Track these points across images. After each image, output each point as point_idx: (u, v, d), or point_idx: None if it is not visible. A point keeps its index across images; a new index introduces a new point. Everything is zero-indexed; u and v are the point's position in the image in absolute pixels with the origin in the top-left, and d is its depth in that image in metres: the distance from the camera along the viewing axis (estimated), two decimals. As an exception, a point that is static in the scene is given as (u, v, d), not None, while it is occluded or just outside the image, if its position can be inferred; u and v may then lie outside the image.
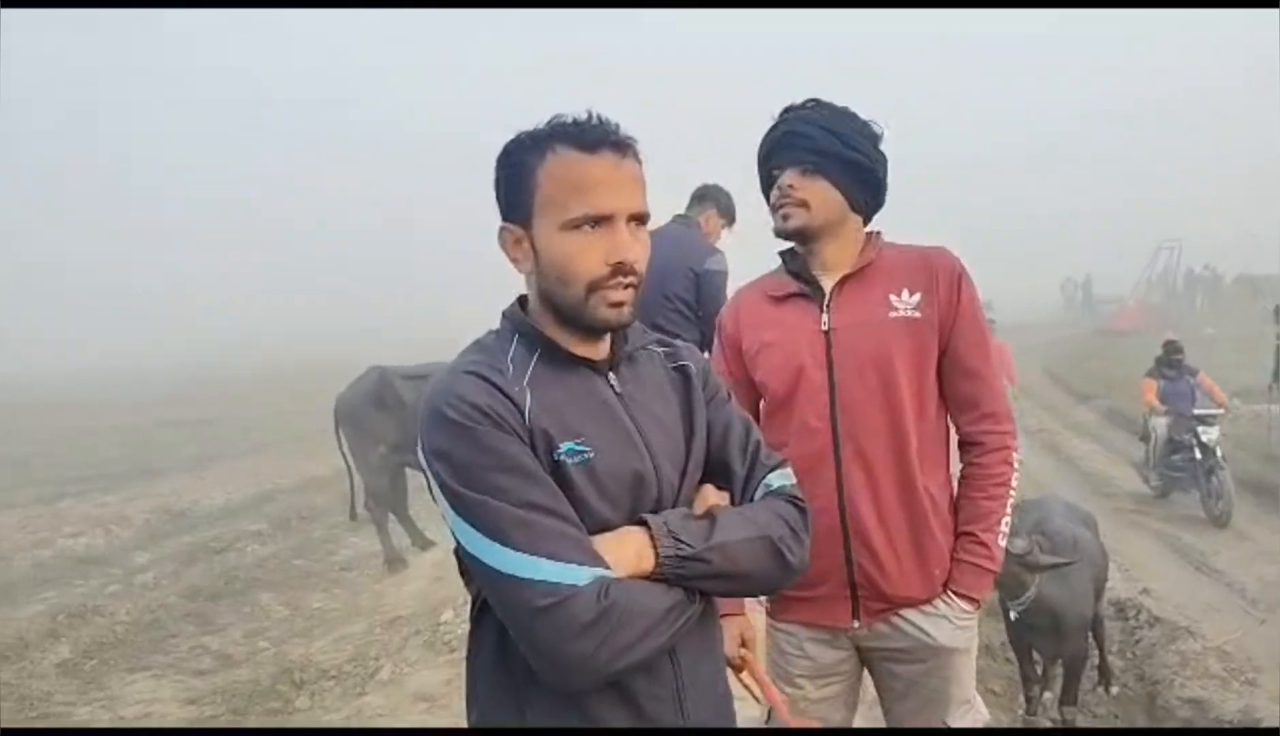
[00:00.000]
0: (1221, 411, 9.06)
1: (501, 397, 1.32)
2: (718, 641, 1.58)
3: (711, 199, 5.02)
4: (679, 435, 1.50)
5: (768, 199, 2.23)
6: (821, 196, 2.13)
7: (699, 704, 1.45)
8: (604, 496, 1.36)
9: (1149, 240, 38.18)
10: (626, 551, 1.33)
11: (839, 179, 2.12)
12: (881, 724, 2.44)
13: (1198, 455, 8.43)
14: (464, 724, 1.51)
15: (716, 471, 1.52)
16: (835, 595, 2.19)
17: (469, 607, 1.47)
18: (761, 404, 2.27)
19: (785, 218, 2.15)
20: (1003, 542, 2.21)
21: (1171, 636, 5.29)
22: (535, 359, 1.40)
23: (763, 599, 2.37)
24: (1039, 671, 4.59)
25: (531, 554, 1.25)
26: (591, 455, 1.36)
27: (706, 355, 1.74)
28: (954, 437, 2.28)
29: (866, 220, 2.22)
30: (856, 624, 2.20)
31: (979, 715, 2.28)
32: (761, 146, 2.20)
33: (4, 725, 4.38)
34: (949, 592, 2.18)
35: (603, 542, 1.33)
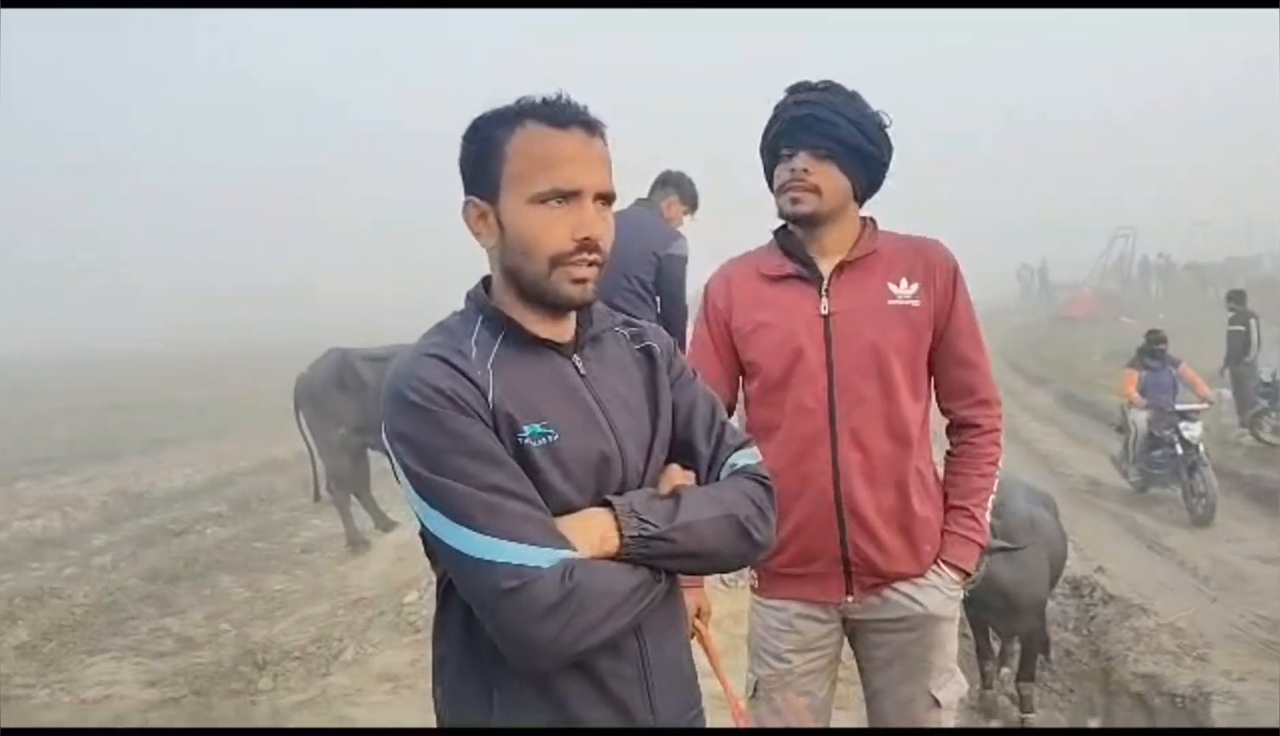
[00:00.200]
0: (1205, 406, 8.80)
1: (463, 380, 1.31)
2: (683, 620, 1.59)
3: (674, 185, 5.03)
4: (644, 416, 1.50)
5: (769, 174, 2.24)
6: (833, 183, 2.15)
7: (664, 682, 1.46)
8: (569, 478, 1.37)
9: (1104, 228, 38.71)
10: (591, 533, 1.33)
11: (850, 167, 2.16)
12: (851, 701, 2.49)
13: (1179, 451, 8.16)
14: (430, 703, 1.52)
15: (682, 451, 1.53)
16: (829, 572, 2.23)
17: (434, 588, 1.48)
18: (754, 383, 2.29)
19: (795, 201, 2.16)
20: (988, 518, 2.30)
21: (1125, 613, 5.40)
22: (499, 341, 1.40)
23: (748, 576, 2.41)
24: (995, 648, 4.67)
25: (495, 536, 1.25)
26: (556, 437, 1.36)
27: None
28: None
29: (860, 206, 2.26)
30: (850, 598, 2.25)
31: (959, 684, 2.35)
32: (774, 122, 2.20)
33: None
34: (940, 563, 2.25)
35: (567, 524, 1.33)
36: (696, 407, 1.57)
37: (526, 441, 1.34)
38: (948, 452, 2.36)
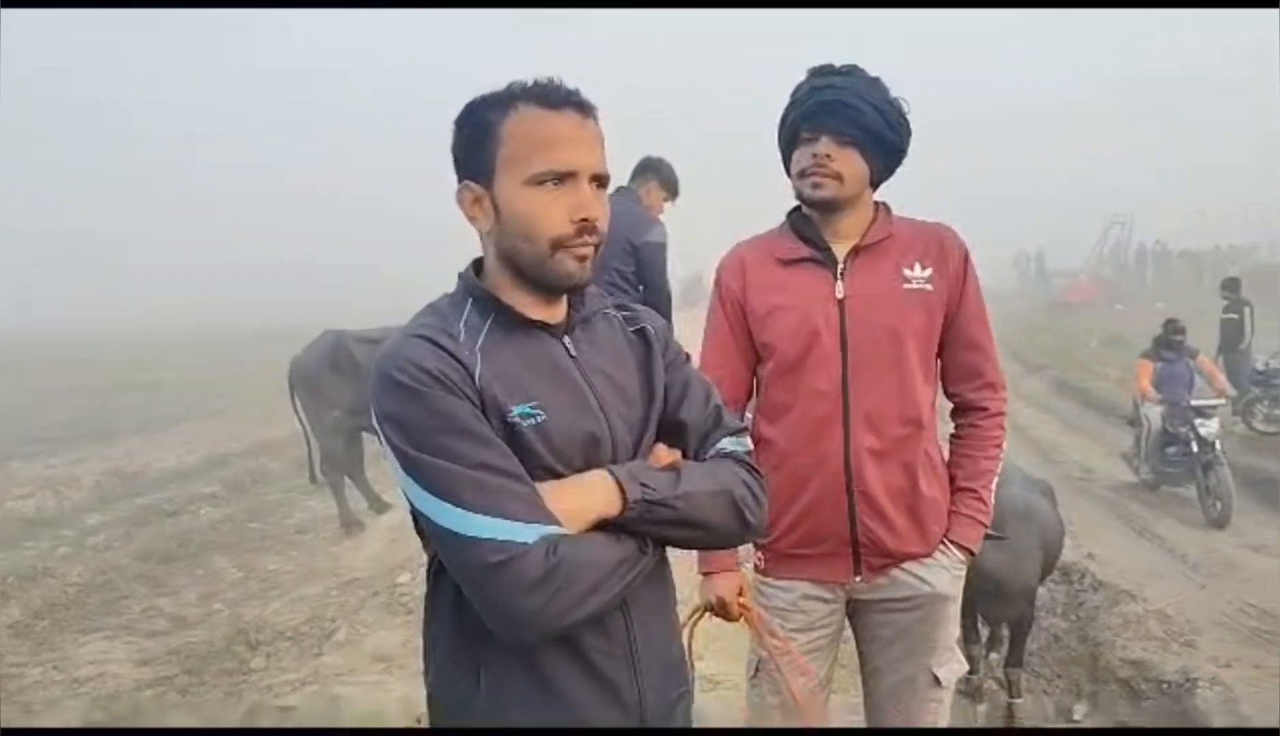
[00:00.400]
0: (1221, 401, 8.38)
1: (451, 361, 1.32)
2: (671, 600, 1.60)
3: (653, 171, 4.99)
4: (635, 397, 1.51)
5: (787, 157, 2.25)
6: (854, 170, 2.16)
7: (651, 661, 1.47)
8: (558, 458, 1.37)
9: (1101, 215, 38.73)
10: (594, 496, 1.35)
11: (871, 154, 2.16)
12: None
13: (1194, 448, 7.75)
14: (421, 684, 1.53)
15: (674, 430, 1.53)
16: (837, 552, 2.26)
17: (425, 569, 1.49)
18: (768, 365, 2.30)
19: (816, 186, 2.17)
20: (992, 499, 2.34)
21: (1114, 599, 5.43)
22: (489, 322, 1.40)
23: (753, 556, 2.43)
24: (984, 633, 4.69)
25: (481, 513, 1.26)
26: (544, 417, 1.37)
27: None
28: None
29: (874, 191, 2.27)
30: (858, 578, 2.27)
31: (959, 664, 2.38)
32: (796, 104, 2.19)
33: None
34: (947, 543, 2.28)
35: (570, 486, 1.35)
36: (690, 389, 1.57)
37: (514, 420, 1.34)
38: (952, 435, 2.39)
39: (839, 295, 2.20)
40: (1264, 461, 9.07)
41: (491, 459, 1.29)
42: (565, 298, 1.47)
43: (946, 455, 2.39)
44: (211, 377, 20.78)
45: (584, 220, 1.38)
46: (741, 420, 2.36)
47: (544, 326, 1.44)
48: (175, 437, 12.46)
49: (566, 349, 1.45)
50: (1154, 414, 8.26)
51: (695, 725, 1.65)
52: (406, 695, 4.17)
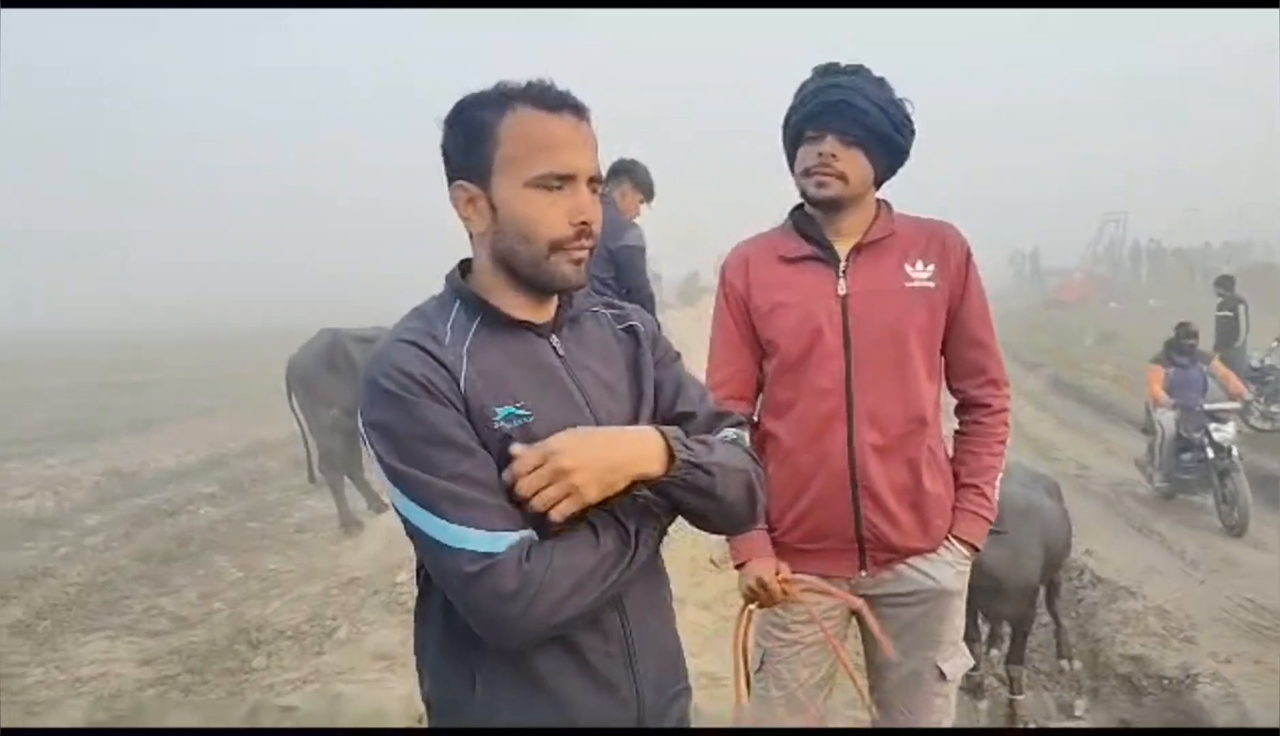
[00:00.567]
0: (1237, 405, 8.11)
1: (436, 365, 1.32)
2: (666, 596, 1.60)
3: (626, 174, 4.96)
4: (624, 395, 1.51)
5: (791, 155, 2.26)
6: (859, 171, 2.17)
7: (648, 658, 1.48)
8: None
9: (1095, 213, 38.77)
10: (649, 446, 1.34)
11: (875, 154, 2.18)
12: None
13: (1209, 455, 7.49)
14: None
15: (673, 423, 1.52)
16: (843, 549, 2.28)
17: (415, 574, 1.50)
18: (772, 362, 2.31)
19: (821, 185, 2.18)
20: (996, 495, 2.35)
21: (1113, 596, 5.45)
22: (476, 324, 1.41)
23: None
24: (985, 630, 4.70)
25: (458, 523, 1.27)
26: (531, 418, 1.37)
27: None
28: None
29: (877, 190, 2.28)
30: (863, 573, 2.29)
31: (964, 658, 2.40)
32: (802, 104, 2.20)
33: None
34: (951, 538, 2.30)
35: (623, 436, 1.35)
36: (684, 384, 1.58)
37: (500, 424, 1.35)
38: (957, 431, 2.40)
39: (841, 292, 2.22)
40: (1260, 458, 9.08)
41: (469, 469, 1.30)
42: (555, 297, 1.48)
43: (951, 451, 2.41)
44: (210, 377, 20.73)
45: (583, 223, 1.38)
46: (754, 416, 2.38)
47: (531, 326, 1.44)
48: (174, 437, 12.44)
49: (554, 348, 1.46)
50: (1167, 420, 7.99)
51: (697, 724, 1.66)
52: (407, 693, 4.17)
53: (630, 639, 1.46)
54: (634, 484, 1.35)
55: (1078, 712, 4.42)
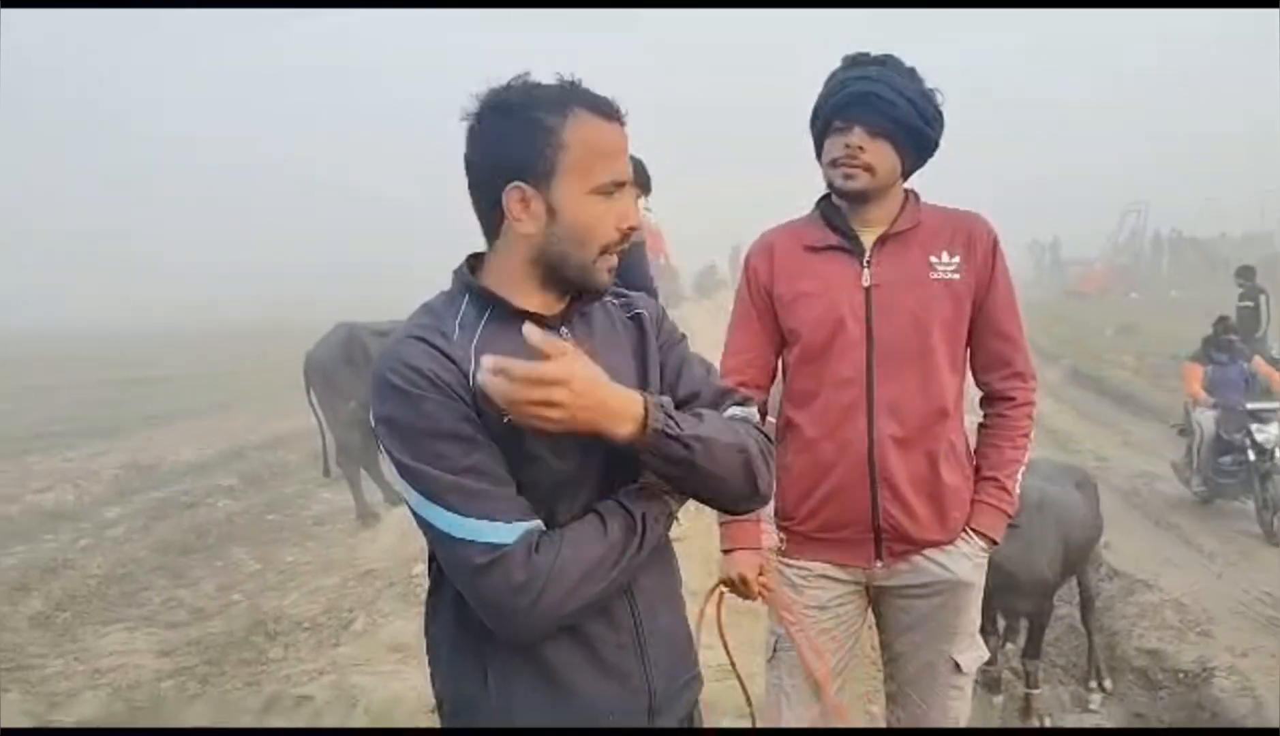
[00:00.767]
0: None
1: (444, 361, 1.32)
2: (677, 585, 1.60)
3: None
4: (633, 384, 1.49)
5: (819, 145, 2.25)
6: (886, 162, 2.16)
7: (658, 647, 1.48)
8: (556, 450, 1.37)
9: (1117, 203, 38.49)
10: (631, 407, 1.31)
11: (903, 146, 2.16)
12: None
13: (1251, 457, 7.06)
14: (438, 673, 1.54)
15: (678, 407, 1.50)
16: (859, 538, 2.27)
17: (426, 569, 1.50)
18: (794, 352, 2.31)
19: (848, 177, 2.17)
20: (1017, 490, 2.33)
21: (1130, 589, 5.43)
22: (485, 318, 1.41)
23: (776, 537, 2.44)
24: (1001, 624, 4.66)
25: (466, 515, 1.28)
26: None
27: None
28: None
29: (904, 180, 2.27)
30: (879, 564, 2.28)
31: (980, 651, 2.40)
32: (830, 94, 2.19)
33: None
34: (969, 531, 2.29)
35: (608, 390, 1.30)
36: (688, 363, 1.58)
37: (509, 418, 1.33)
38: (980, 424, 2.39)
39: (865, 283, 2.21)
40: None
41: (477, 462, 1.31)
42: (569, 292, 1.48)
43: (974, 444, 2.40)
44: (229, 372, 20.87)
45: (631, 228, 1.41)
46: (765, 404, 2.38)
47: (541, 318, 1.42)
48: (192, 431, 12.53)
49: (564, 340, 1.44)
50: (1206, 420, 7.56)
51: (707, 715, 1.66)
52: (423, 684, 4.18)
53: (640, 628, 1.46)
54: (634, 468, 1.36)
55: (1093, 706, 4.41)
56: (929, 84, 2.19)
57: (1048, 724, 4.27)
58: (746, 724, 2.13)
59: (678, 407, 1.49)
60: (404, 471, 1.32)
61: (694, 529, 5.63)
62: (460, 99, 1.42)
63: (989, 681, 4.45)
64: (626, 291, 1.62)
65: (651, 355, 1.55)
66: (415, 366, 1.31)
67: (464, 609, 1.36)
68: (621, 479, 1.42)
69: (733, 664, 2.11)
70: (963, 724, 2.40)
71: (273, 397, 14.05)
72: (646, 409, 1.33)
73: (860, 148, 2.14)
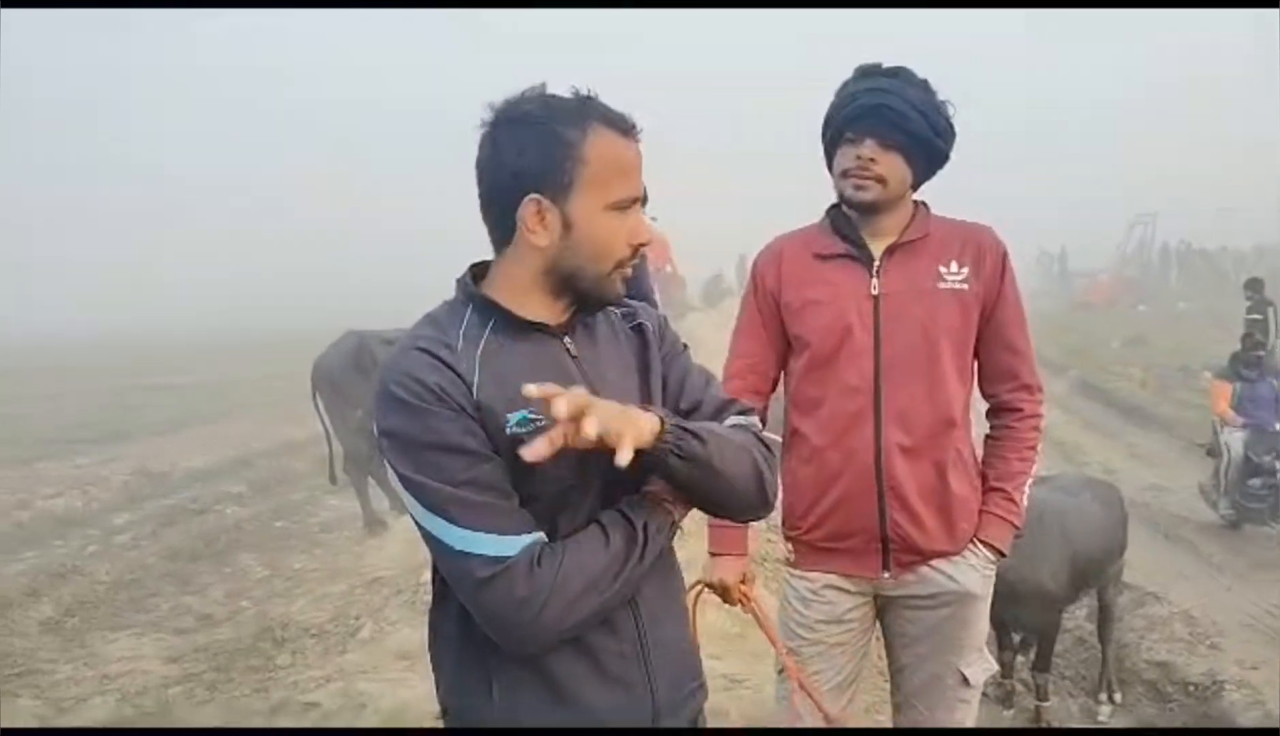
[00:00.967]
0: None
1: (448, 373, 1.33)
2: (679, 593, 1.60)
3: None
4: (634, 394, 1.51)
5: (830, 155, 2.26)
6: (898, 174, 2.17)
7: (663, 658, 1.48)
8: (558, 460, 1.34)
9: (1124, 214, 38.40)
10: (640, 421, 1.31)
11: (915, 158, 2.17)
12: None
13: None
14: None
15: (682, 417, 1.50)
16: (866, 548, 2.27)
17: (430, 581, 1.51)
18: (801, 359, 2.31)
19: (859, 188, 2.18)
20: (1025, 501, 2.33)
21: (1140, 601, 5.41)
22: (488, 329, 1.40)
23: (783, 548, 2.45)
24: (1016, 638, 4.63)
25: (469, 528, 1.28)
26: (543, 421, 1.35)
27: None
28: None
29: (914, 191, 2.28)
30: (886, 574, 2.28)
31: (988, 664, 2.39)
32: (842, 105, 2.20)
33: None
34: (977, 542, 2.29)
35: (613, 408, 1.30)
36: (690, 375, 1.59)
37: (513, 429, 1.34)
38: (988, 435, 2.39)
39: (874, 292, 2.21)
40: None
41: (481, 475, 1.31)
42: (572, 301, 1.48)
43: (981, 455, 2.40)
44: (238, 380, 20.90)
45: (642, 243, 1.43)
46: (767, 412, 2.39)
47: (544, 328, 1.44)
48: (201, 438, 12.54)
49: (567, 349, 1.46)
50: (1235, 441, 7.27)
51: (714, 724, 1.66)
52: (429, 692, 4.16)
53: (644, 638, 1.46)
54: (639, 471, 1.34)
55: (1102, 717, 4.40)
56: (940, 96, 2.20)
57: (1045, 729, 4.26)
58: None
59: (681, 417, 1.50)
60: (407, 483, 1.32)
61: (700, 540, 5.63)
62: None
63: (1001, 695, 4.44)
64: (629, 301, 1.62)
65: (654, 365, 1.55)
66: (419, 378, 1.31)
67: (468, 620, 1.37)
68: (623, 489, 1.42)
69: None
70: None
71: (283, 405, 14.04)
72: (660, 417, 1.35)
73: (872, 159, 2.15)
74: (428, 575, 1.49)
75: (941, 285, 2.21)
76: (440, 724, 1.55)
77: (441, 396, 1.31)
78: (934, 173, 2.26)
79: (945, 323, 2.21)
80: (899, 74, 2.18)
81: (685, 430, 1.35)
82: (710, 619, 4.67)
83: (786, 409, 2.40)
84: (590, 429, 1.22)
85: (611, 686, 1.42)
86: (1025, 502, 2.35)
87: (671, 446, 1.34)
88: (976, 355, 2.31)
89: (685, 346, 1.63)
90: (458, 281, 1.48)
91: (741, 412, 1.57)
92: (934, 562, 2.27)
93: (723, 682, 3.53)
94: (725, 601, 2.31)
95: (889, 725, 2.52)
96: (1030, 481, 2.35)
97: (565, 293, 1.43)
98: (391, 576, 6.15)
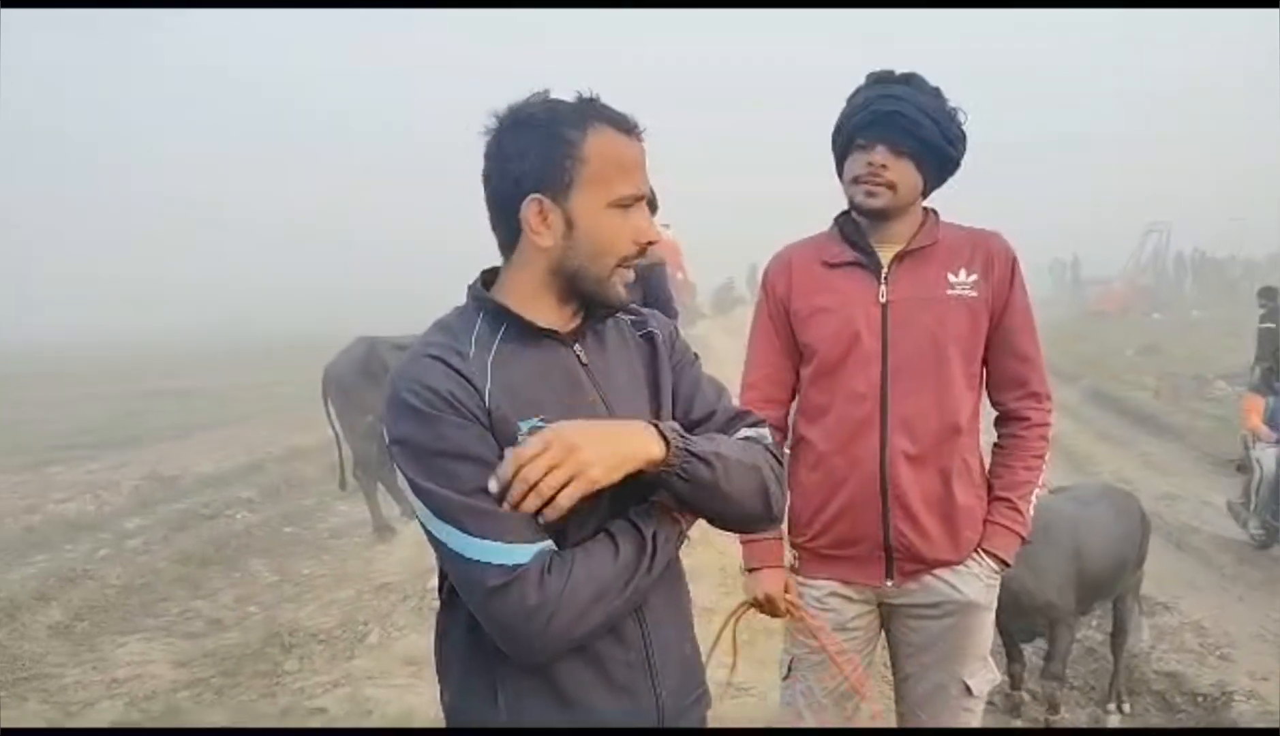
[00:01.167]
0: None
1: (460, 381, 1.33)
2: (685, 601, 1.61)
3: None
4: (643, 402, 1.52)
5: (840, 161, 2.26)
6: (908, 181, 2.18)
7: (667, 665, 1.49)
8: None
9: (1139, 223, 38.25)
10: (635, 442, 1.33)
11: (926, 165, 2.18)
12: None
13: None
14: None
15: (691, 428, 1.52)
16: (870, 556, 2.27)
17: (437, 589, 1.51)
18: (809, 367, 2.32)
19: (870, 194, 2.18)
20: (1031, 511, 2.32)
21: (1150, 611, 5.36)
22: (499, 336, 1.41)
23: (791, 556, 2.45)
24: (1027, 651, 4.57)
25: (480, 536, 1.28)
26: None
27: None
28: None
29: (924, 198, 2.29)
30: (890, 583, 2.28)
31: (992, 674, 2.38)
32: (854, 111, 2.20)
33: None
34: (981, 552, 2.28)
35: (607, 429, 1.34)
36: (700, 386, 1.59)
37: (524, 437, 1.35)
38: (995, 444, 2.38)
39: (882, 299, 2.22)
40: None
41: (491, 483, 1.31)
42: (582, 307, 1.49)
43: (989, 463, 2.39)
44: (249, 385, 20.97)
45: (648, 242, 1.42)
46: (787, 419, 2.39)
47: (555, 335, 1.45)
48: (212, 443, 12.58)
49: (578, 356, 1.46)
50: (1267, 458, 6.87)
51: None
52: (436, 698, 4.19)
53: (650, 646, 1.46)
54: (641, 475, 1.34)
55: (1110, 725, 4.37)
56: (951, 103, 2.20)
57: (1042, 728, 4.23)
58: None
59: (691, 428, 1.50)
60: (418, 491, 1.32)
61: (708, 548, 5.63)
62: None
63: (1009, 706, 4.41)
64: (640, 309, 1.63)
65: (663, 374, 1.55)
66: (432, 387, 1.32)
67: (475, 628, 1.37)
68: (632, 497, 1.41)
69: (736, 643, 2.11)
70: None
71: (293, 411, 14.08)
72: (660, 430, 1.35)
73: (884, 166, 2.15)
74: (435, 581, 1.50)
75: (950, 292, 2.21)
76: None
77: (453, 404, 1.31)
78: (945, 180, 2.27)
79: (954, 330, 2.21)
80: (911, 80, 2.19)
81: (692, 454, 1.36)
82: (716, 626, 4.67)
83: (794, 415, 2.41)
84: (594, 475, 1.28)
85: (618, 695, 1.43)
86: (1031, 512, 2.34)
87: (677, 470, 1.35)
88: (985, 362, 2.31)
89: (696, 356, 1.64)
90: (469, 287, 1.49)
91: (753, 424, 1.57)
92: (938, 572, 2.27)
93: (730, 690, 3.53)
94: (772, 614, 2.31)
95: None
96: (1037, 491, 2.34)
97: (572, 296, 1.44)
98: (399, 582, 6.17)
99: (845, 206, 2.31)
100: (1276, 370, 7.44)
